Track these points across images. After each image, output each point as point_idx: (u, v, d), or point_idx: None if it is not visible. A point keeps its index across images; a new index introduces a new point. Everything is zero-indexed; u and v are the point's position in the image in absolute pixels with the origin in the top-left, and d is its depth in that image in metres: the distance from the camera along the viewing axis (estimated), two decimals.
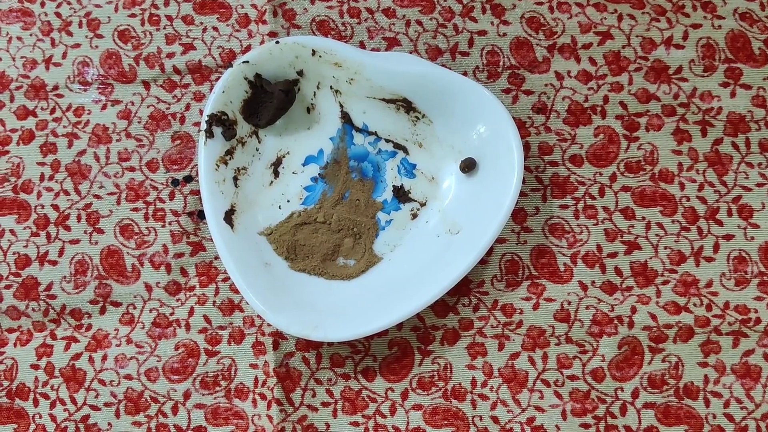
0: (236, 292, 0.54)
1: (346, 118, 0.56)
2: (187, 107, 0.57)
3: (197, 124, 0.57)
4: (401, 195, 0.55)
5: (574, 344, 0.53)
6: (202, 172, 0.52)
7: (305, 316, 0.51)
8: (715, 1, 0.57)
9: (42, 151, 0.57)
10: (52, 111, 0.57)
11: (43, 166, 0.57)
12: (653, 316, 0.53)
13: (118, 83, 0.57)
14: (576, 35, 0.57)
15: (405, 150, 0.55)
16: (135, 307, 0.55)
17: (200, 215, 0.55)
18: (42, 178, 0.56)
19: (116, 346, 0.54)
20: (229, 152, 0.54)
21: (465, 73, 0.57)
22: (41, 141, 0.57)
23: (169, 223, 0.55)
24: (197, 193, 0.55)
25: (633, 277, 0.54)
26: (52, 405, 0.54)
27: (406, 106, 0.55)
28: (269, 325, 0.53)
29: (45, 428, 0.54)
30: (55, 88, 0.57)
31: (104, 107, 0.57)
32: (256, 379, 0.54)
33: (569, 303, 0.53)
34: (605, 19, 0.57)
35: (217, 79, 0.57)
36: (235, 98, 0.54)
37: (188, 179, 0.56)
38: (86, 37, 0.58)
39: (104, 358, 0.54)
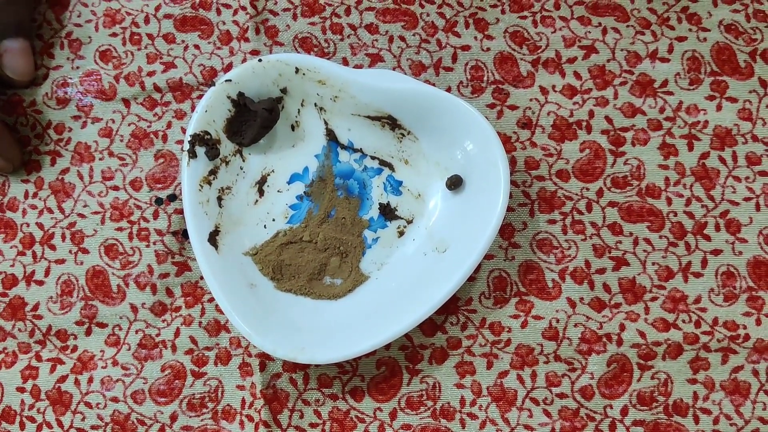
0: (222, 312, 0.51)
1: (331, 135, 0.52)
2: (169, 125, 0.53)
3: (180, 142, 0.53)
4: (388, 212, 0.52)
5: (563, 362, 0.50)
6: (185, 193, 0.49)
7: (292, 338, 0.48)
8: (700, 13, 0.54)
9: (26, 169, 0.53)
10: (33, 127, 0.53)
11: (27, 183, 0.53)
12: (642, 334, 0.50)
13: (98, 101, 0.54)
14: (560, 49, 0.54)
15: (391, 167, 0.52)
16: (121, 329, 0.51)
17: (185, 234, 0.52)
18: (26, 195, 0.53)
19: (102, 368, 0.51)
20: (213, 172, 0.50)
21: (449, 89, 0.53)
22: (25, 158, 0.53)
23: (154, 243, 0.52)
24: (181, 212, 0.52)
25: (621, 294, 0.51)
26: (39, 429, 0.50)
27: (391, 123, 0.51)
28: (255, 346, 0.50)
29: None
30: (32, 104, 0.54)
31: (84, 125, 0.53)
32: (243, 400, 0.50)
33: (558, 321, 0.50)
34: (589, 32, 0.54)
35: (199, 97, 0.54)
36: (218, 117, 0.50)
37: (172, 198, 0.53)
38: (67, 58, 0.54)
39: (90, 380, 0.51)
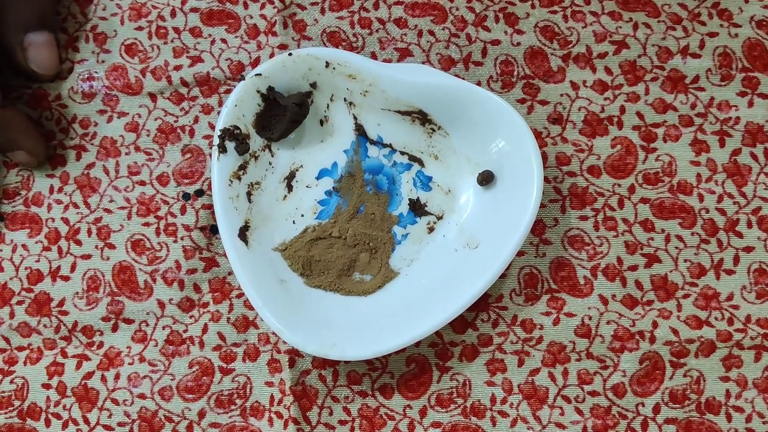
0: (251, 308, 0.50)
1: (360, 130, 0.52)
2: (196, 120, 0.53)
3: (207, 137, 0.52)
4: (417, 208, 0.51)
5: (595, 360, 0.50)
6: (215, 188, 0.48)
7: (322, 334, 0.47)
8: (731, 9, 0.53)
9: (51, 164, 0.52)
10: (58, 122, 0.53)
11: (52, 178, 0.52)
12: (675, 331, 0.50)
13: (124, 95, 0.53)
14: (591, 44, 0.53)
15: (420, 162, 0.51)
16: (148, 324, 0.51)
17: (213, 230, 0.51)
18: (51, 190, 0.52)
19: (129, 364, 0.50)
20: (242, 167, 0.50)
21: (479, 83, 0.53)
22: (50, 152, 0.53)
23: (181, 238, 0.51)
24: (209, 207, 0.51)
25: (653, 291, 0.50)
26: (65, 425, 0.50)
27: (422, 117, 0.51)
28: (285, 342, 0.49)
29: None
30: (58, 98, 0.53)
31: (110, 119, 0.53)
32: (272, 397, 0.50)
33: (590, 318, 0.50)
34: (620, 28, 0.53)
35: (226, 91, 0.53)
36: (247, 112, 0.50)
37: (199, 193, 0.52)
38: (92, 52, 0.53)
39: (117, 376, 0.50)
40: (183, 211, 0.52)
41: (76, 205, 0.52)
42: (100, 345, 0.50)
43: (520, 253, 0.51)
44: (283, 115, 0.50)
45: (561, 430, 0.49)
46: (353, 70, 0.49)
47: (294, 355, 0.50)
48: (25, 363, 0.50)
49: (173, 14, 0.54)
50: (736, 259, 0.50)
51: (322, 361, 0.50)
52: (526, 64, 0.53)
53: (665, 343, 0.50)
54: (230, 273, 0.51)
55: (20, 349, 0.50)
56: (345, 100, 0.51)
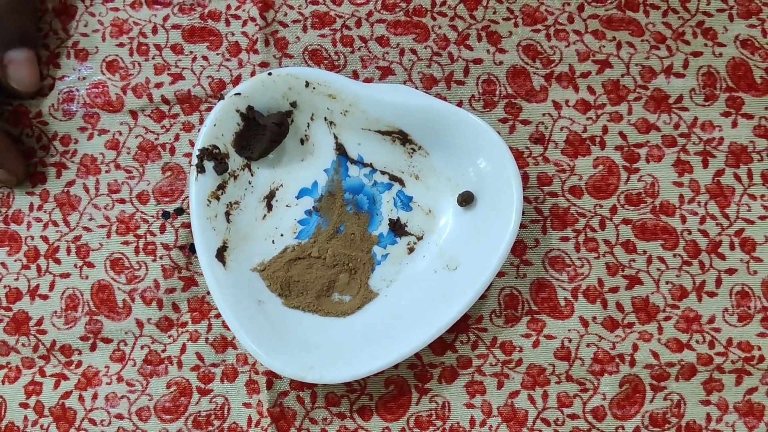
0: (229, 328, 0.50)
1: (340, 149, 0.51)
2: (177, 138, 0.52)
3: (188, 155, 0.52)
4: (397, 228, 0.51)
5: (575, 382, 0.49)
6: (193, 209, 0.48)
7: (300, 357, 0.47)
8: (716, 29, 0.52)
9: (31, 181, 0.52)
10: (38, 139, 0.52)
11: (32, 195, 0.52)
12: (655, 354, 0.49)
13: (105, 112, 0.52)
14: (574, 64, 0.52)
15: (401, 182, 0.51)
16: (126, 344, 0.50)
17: (192, 249, 0.51)
18: (31, 208, 0.52)
19: (107, 384, 0.50)
20: (221, 187, 0.49)
21: (461, 103, 0.52)
22: (30, 170, 0.52)
23: (160, 257, 0.51)
24: (189, 225, 0.51)
25: (634, 313, 0.50)
26: None
27: (402, 138, 0.50)
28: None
29: None
30: (38, 115, 0.52)
31: (91, 137, 0.52)
32: (249, 418, 0.49)
33: (570, 340, 0.49)
34: (604, 47, 0.52)
35: (207, 109, 0.52)
36: (226, 131, 0.49)
37: (179, 212, 0.51)
38: (73, 68, 0.53)
39: (95, 396, 0.50)
40: (162, 229, 0.51)
41: (55, 223, 0.51)
42: (79, 364, 0.50)
43: (500, 274, 0.50)
44: (263, 134, 0.50)
45: None
46: (333, 90, 0.49)
47: (272, 376, 0.49)
48: (2, 382, 0.50)
49: (155, 31, 0.53)
50: (719, 281, 0.50)
51: (300, 383, 0.49)
52: (509, 84, 0.52)
53: (645, 366, 0.49)
54: (209, 293, 0.50)
55: None
56: (325, 119, 0.51)
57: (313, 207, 0.51)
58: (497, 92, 0.52)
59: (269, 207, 0.51)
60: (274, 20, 0.53)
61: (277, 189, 0.51)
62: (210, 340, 0.50)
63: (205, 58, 0.53)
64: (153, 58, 0.53)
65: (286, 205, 0.51)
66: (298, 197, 0.51)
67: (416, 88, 0.52)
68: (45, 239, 0.51)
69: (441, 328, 0.47)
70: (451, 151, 0.50)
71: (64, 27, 0.54)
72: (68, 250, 0.51)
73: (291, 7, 0.53)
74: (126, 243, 0.51)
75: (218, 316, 0.50)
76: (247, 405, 0.49)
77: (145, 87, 0.53)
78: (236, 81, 0.53)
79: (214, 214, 0.49)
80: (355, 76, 0.53)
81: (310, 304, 0.50)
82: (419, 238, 0.51)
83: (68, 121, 0.52)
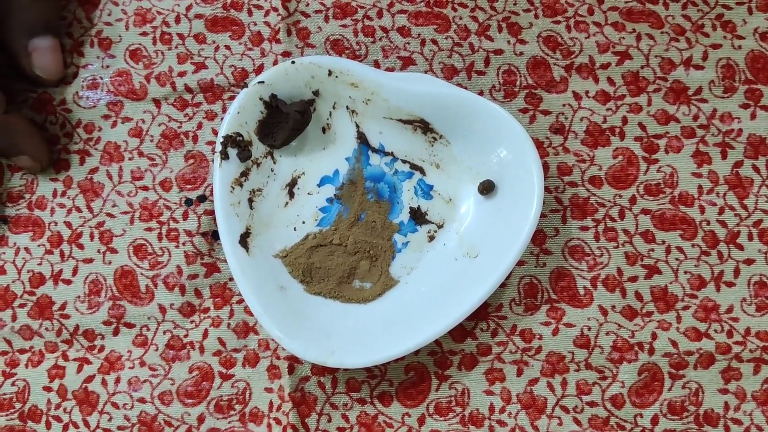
0: (251, 314, 0.50)
1: (362, 138, 0.51)
2: (199, 126, 0.52)
3: (210, 143, 0.52)
4: (418, 217, 0.51)
5: (594, 370, 0.49)
6: (217, 195, 0.48)
7: (321, 342, 0.47)
8: (735, 21, 0.53)
9: (55, 168, 0.52)
10: (62, 126, 0.53)
11: (56, 182, 0.52)
12: (674, 343, 0.49)
13: (128, 100, 0.53)
14: (594, 55, 0.53)
15: (422, 171, 0.51)
16: (149, 329, 0.50)
17: (214, 236, 0.51)
18: (55, 194, 0.52)
19: (129, 368, 0.50)
20: (244, 174, 0.49)
21: (481, 93, 0.52)
22: (54, 157, 0.52)
23: (183, 244, 0.51)
24: (211, 213, 0.51)
25: (653, 302, 0.50)
26: (65, 428, 0.50)
27: (424, 126, 0.50)
28: (284, 349, 0.48)
29: None
30: (62, 102, 0.53)
31: (114, 125, 0.52)
32: (270, 403, 0.50)
33: (589, 329, 0.49)
34: (623, 38, 0.53)
35: (230, 98, 0.53)
36: (250, 119, 0.49)
37: (202, 199, 0.52)
38: (97, 57, 0.53)
39: (117, 380, 0.50)
40: (185, 216, 0.52)
41: (78, 209, 0.52)
42: (101, 349, 0.50)
43: (520, 263, 0.50)
44: (286, 122, 0.50)
45: None
46: (356, 78, 0.49)
47: (293, 361, 0.50)
48: (26, 366, 0.50)
49: (178, 20, 0.54)
50: (737, 272, 0.50)
51: (321, 368, 0.50)
52: (529, 74, 0.53)
53: (664, 354, 0.49)
54: (231, 279, 0.51)
55: (22, 351, 0.50)
56: (347, 108, 0.51)
57: (335, 195, 0.51)
58: (518, 83, 0.53)
59: (291, 194, 0.51)
60: (296, 10, 0.54)
61: (299, 177, 0.51)
62: (232, 326, 0.50)
63: (227, 47, 0.53)
64: (176, 47, 0.53)
65: (308, 193, 0.51)
66: (319, 185, 0.51)
67: (437, 78, 0.52)
68: (68, 225, 0.52)
69: (461, 316, 0.47)
70: (473, 141, 0.50)
71: (88, 16, 0.54)
72: (91, 236, 0.52)
73: None
74: (149, 229, 0.52)
75: (240, 301, 0.50)
76: (269, 390, 0.50)
77: (168, 76, 0.53)
78: (258, 70, 0.53)
79: (237, 201, 0.49)
80: (377, 66, 0.53)
81: (331, 291, 0.50)
82: (440, 227, 0.51)
83: (92, 108, 0.53)
